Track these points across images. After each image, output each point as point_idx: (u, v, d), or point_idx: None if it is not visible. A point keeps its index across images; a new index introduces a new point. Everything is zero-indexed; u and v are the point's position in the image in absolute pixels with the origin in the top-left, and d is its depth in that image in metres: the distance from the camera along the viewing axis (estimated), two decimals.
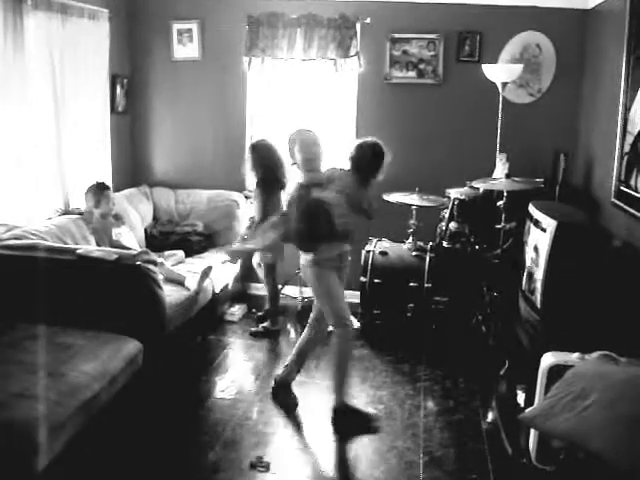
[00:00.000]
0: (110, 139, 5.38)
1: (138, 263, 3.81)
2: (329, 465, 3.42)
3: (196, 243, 5.43)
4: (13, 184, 4.28)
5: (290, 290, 5.76)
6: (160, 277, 4.00)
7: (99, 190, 4.70)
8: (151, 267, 3.88)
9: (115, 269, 3.79)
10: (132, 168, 5.97)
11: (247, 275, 5.71)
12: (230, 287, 5.52)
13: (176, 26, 5.69)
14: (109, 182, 5.30)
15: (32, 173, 4.45)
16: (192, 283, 4.58)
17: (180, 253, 5.19)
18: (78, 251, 3.83)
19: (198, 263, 5.03)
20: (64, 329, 3.50)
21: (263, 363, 4.63)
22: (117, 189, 5.43)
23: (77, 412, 2.86)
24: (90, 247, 4.21)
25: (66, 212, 4.78)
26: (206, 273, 4.74)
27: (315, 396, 4.09)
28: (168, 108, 5.93)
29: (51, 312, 3.61)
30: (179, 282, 4.56)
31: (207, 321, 5.06)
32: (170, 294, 4.22)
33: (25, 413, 2.65)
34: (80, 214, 4.73)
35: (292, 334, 5.18)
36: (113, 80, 5.46)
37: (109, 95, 5.39)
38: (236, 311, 5.43)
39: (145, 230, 5.48)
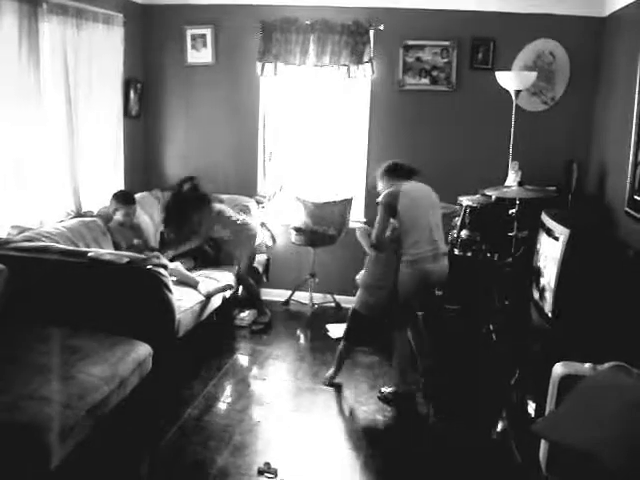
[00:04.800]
0: (123, 143, 5.40)
1: (149, 267, 3.82)
2: (337, 472, 3.40)
3: (211, 254, 5.36)
4: (26, 186, 4.30)
5: (301, 296, 5.76)
6: (171, 280, 4.00)
7: (120, 200, 4.79)
8: (162, 271, 3.89)
9: (126, 272, 3.80)
10: (145, 172, 6.00)
11: (256, 281, 5.70)
12: (240, 293, 5.54)
13: (190, 31, 5.71)
14: (121, 185, 5.32)
15: (45, 176, 4.47)
16: (205, 288, 4.59)
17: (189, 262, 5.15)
18: (89, 254, 3.85)
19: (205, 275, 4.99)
20: (74, 331, 3.51)
21: (272, 368, 4.63)
22: None
23: (86, 415, 2.86)
24: (101, 250, 4.22)
25: (78, 215, 4.80)
26: (224, 289, 4.82)
27: (323, 402, 4.08)
28: (181, 113, 5.95)
29: (62, 314, 3.63)
30: (192, 285, 4.57)
31: (217, 326, 5.06)
32: (181, 298, 4.23)
33: (34, 415, 2.65)
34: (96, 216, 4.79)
35: (302, 340, 5.18)
36: (127, 84, 5.49)
37: (123, 99, 5.42)
38: (246, 316, 5.43)
39: (162, 234, 5.45)
